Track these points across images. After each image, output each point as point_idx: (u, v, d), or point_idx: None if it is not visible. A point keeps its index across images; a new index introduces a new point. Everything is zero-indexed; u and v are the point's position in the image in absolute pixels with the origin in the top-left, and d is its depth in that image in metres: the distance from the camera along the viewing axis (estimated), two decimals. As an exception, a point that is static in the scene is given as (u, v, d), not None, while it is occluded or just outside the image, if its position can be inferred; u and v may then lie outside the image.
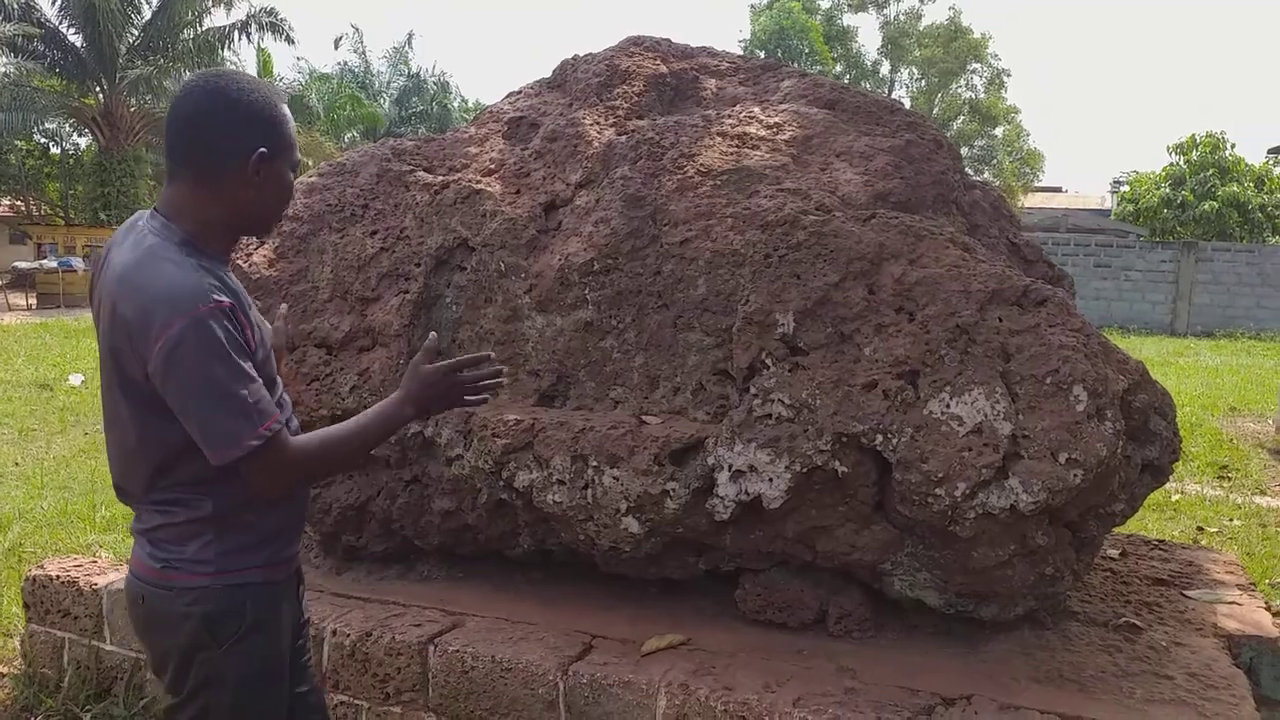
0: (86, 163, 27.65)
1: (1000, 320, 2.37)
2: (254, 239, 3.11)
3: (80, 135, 28.87)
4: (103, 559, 3.34)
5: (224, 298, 1.56)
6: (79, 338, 14.19)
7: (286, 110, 1.70)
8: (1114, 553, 3.40)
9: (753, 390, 2.47)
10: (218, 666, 1.67)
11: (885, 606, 2.67)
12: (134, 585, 1.71)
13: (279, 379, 1.81)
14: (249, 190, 1.65)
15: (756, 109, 3.09)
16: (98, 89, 24.73)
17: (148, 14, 24.82)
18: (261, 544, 1.71)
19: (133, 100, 24.62)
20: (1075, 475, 2.20)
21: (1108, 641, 2.61)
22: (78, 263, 21.43)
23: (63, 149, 30.31)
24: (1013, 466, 2.23)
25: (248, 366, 1.57)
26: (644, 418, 2.63)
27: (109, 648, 2.98)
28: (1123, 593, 3.00)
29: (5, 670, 3.22)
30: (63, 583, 3.05)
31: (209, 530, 1.66)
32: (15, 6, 22.87)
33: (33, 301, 20.55)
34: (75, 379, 10.02)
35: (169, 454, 1.62)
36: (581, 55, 3.50)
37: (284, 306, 2.30)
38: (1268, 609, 2.97)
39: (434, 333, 1.92)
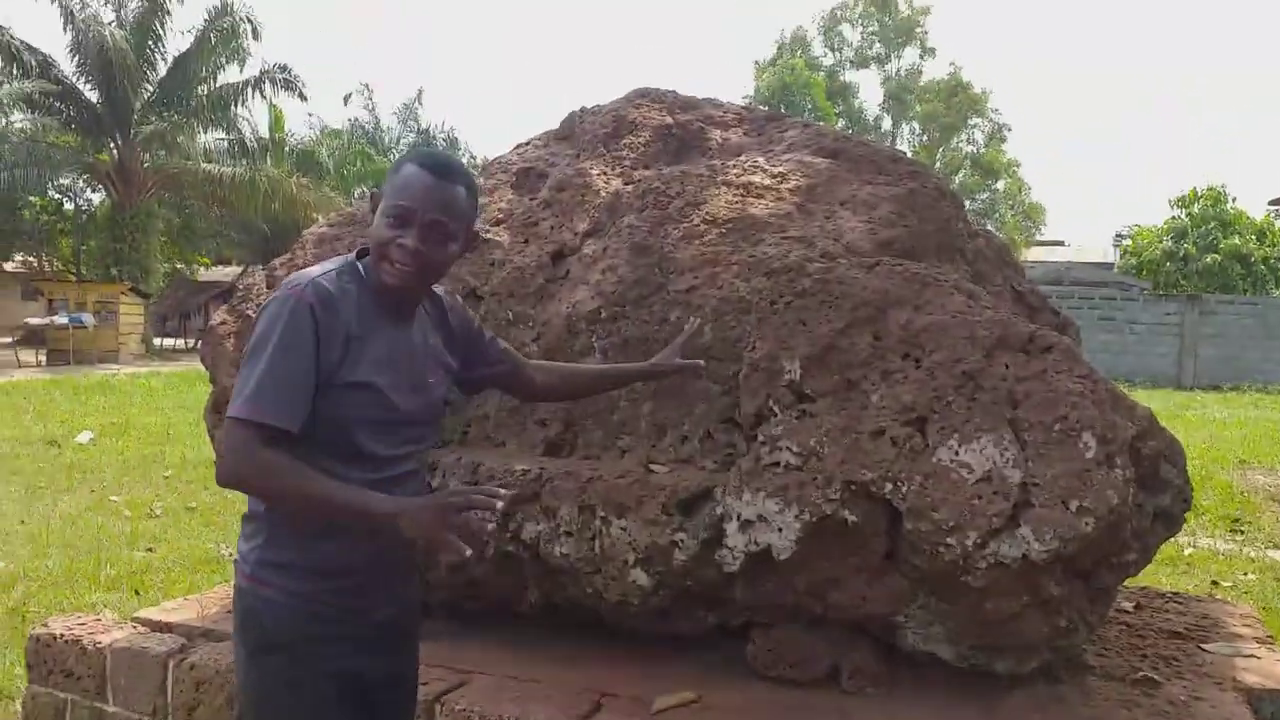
0: (99, 218, 27.98)
1: (1007, 366, 2.36)
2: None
3: (94, 191, 29.29)
4: (107, 617, 3.30)
5: (319, 295, 1.63)
6: (88, 394, 14.23)
7: (420, 170, 1.70)
8: (1129, 606, 3.34)
9: (760, 438, 2.46)
10: (244, 671, 1.76)
11: (899, 660, 2.62)
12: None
13: (428, 385, 1.83)
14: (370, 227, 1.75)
15: (761, 159, 3.12)
16: (112, 145, 25.12)
17: (163, 70, 25.30)
18: (292, 567, 1.71)
19: (146, 156, 25.01)
20: (1087, 523, 2.17)
21: (1126, 696, 2.55)
22: (88, 318, 21.58)
23: (76, 205, 30.73)
24: (1023, 515, 2.20)
25: (304, 360, 1.61)
26: (651, 466, 2.62)
27: (111, 709, 2.92)
28: (1139, 646, 2.94)
29: (5, 732, 3.17)
30: (66, 641, 3.01)
31: (261, 531, 1.74)
32: (34, 64, 23.35)
33: (43, 358, 20.66)
34: (84, 437, 10.00)
35: None
36: (589, 107, 3.55)
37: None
38: (1288, 662, 2.91)
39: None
